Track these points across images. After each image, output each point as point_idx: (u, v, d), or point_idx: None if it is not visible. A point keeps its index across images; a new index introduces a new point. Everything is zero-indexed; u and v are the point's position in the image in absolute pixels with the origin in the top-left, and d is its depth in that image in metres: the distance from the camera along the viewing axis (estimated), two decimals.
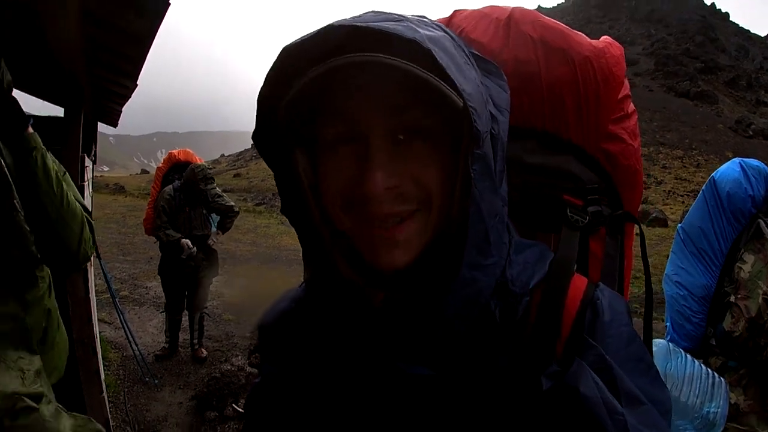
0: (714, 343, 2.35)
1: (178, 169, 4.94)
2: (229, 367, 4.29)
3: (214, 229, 4.97)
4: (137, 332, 5.31)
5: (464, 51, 0.65)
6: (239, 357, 4.71)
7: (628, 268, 0.95)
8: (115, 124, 4.19)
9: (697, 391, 1.17)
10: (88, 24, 1.64)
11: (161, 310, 5.69)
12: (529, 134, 0.87)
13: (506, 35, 0.87)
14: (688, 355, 1.26)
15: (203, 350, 5.10)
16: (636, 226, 0.95)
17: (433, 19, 0.90)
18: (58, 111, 3.00)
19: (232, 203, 5.05)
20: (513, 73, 0.82)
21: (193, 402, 4.08)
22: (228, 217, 5.02)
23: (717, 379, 1.24)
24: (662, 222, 16.69)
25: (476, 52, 0.71)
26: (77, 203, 1.64)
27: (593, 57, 0.85)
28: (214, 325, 6.15)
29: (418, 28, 0.55)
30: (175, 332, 5.07)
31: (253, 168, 45.29)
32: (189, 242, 4.65)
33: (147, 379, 4.37)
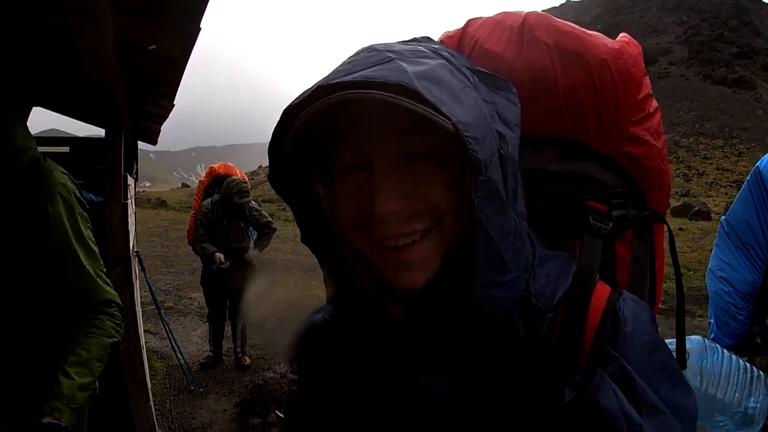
0: (759, 341, 2.24)
1: (218, 183, 5.05)
2: (272, 375, 4.36)
3: (252, 244, 5.03)
4: (182, 342, 5.47)
5: (465, 73, 0.66)
6: (281, 364, 4.77)
7: (660, 269, 0.92)
8: (154, 142, 4.32)
9: (735, 387, 1.14)
10: (123, 49, 1.71)
11: (205, 320, 5.86)
12: (549, 142, 0.86)
13: (520, 42, 0.85)
14: (725, 350, 1.21)
15: (246, 358, 5.20)
16: (666, 227, 0.92)
17: (449, 30, 0.93)
18: (99, 132, 3.15)
19: (269, 219, 5.08)
20: (529, 81, 0.82)
21: (237, 409, 4.16)
22: (264, 233, 5.06)
23: (756, 373, 1.20)
24: (705, 215, 16.12)
25: (482, 69, 0.72)
26: None
27: (610, 59, 0.83)
28: (256, 333, 6.26)
29: (408, 67, 0.58)
30: (219, 341, 5.19)
31: None
32: (222, 256, 4.76)
33: (192, 387, 4.49)
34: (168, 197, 29.81)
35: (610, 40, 0.86)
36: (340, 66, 0.63)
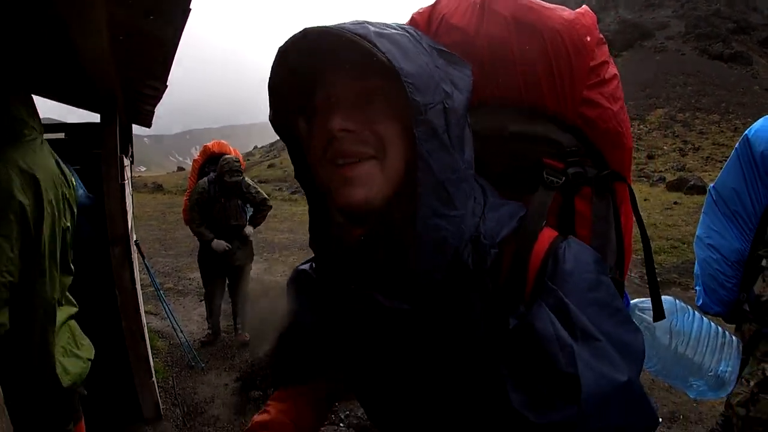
0: (747, 309, 2.30)
1: (213, 162, 5.05)
2: (269, 348, 4.40)
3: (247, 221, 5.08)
4: (183, 321, 5.55)
5: (422, 45, 0.78)
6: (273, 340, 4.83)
7: (627, 227, 0.99)
8: (148, 125, 4.33)
9: (705, 349, 1.19)
10: (115, 33, 1.74)
11: (202, 299, 5.94)
12: (509, 106, 0.95)
13: (481, 16, 0.93)
14: (696, 312, 1.26)
15: (246, 335, 5.26)
16: (628, 186, 1.00)
17: (421, 7, 1.03)
18: (94, 117, 3.17)
19: (266, 196, 5.11)
20: (489, 51, 0.91)
21: (238, 383, 4.24)
22: (259, 210, 5.08)
23: (728, 338, 1.25)
24: (701, 189, 16.14)
25: (441, 47, 0.83)
26: None
27: (563, 29, 0.89)
28: (254, 310, 6.35)
29: (371, 28, 0.72)
30: (216, 319, 5.24)
31: (287, 158, 45.48)
32: (223, 243, 4.81)
33: (193, 364, 4.57)
34: (164, 181, 29.68)
35: (568, 11, 0.92)
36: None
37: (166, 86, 2.92)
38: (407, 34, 0.77)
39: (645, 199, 14.81)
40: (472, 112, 0.85)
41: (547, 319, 0.68)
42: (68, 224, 1.91)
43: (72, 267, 2.02)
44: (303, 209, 17.83)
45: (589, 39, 0.90)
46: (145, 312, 4.55)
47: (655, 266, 2.95)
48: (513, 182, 0.93)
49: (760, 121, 2.30)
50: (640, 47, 51.66)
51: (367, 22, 0.75)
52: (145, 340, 3.53)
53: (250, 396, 4.02)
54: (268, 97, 0.81)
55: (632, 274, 8.01)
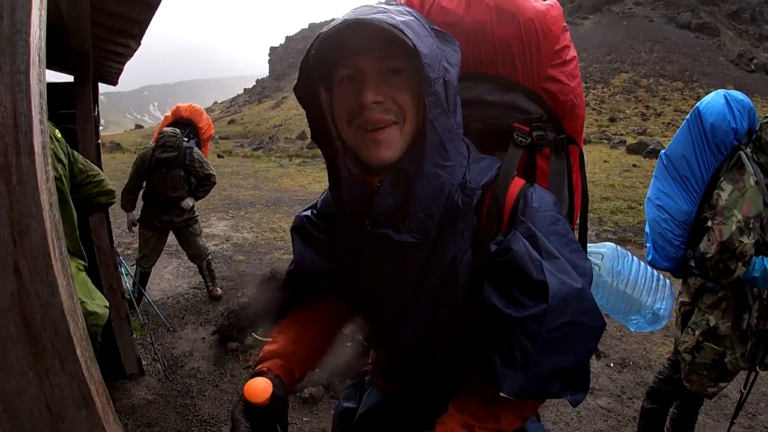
0: (693, 264, 2.53)
1: (181, 125, 4.93)
2: (245, 300, 4.53)
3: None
4: (154, 279, 5.58)
5: (426, 28, 0.95)
6: (255, 290, 4.95)
7: (577, 181, 1.21)
8: (115, 83, 4.21)
9: (642, 287, 1.39)
10: None
11: (172, 257, 5.99)
12: (487, 78, 1.13)
13: (468, 1, 1.10)
14: (636, 258, 1.46)
15: (218, 289, 5.34)
16: (579, 148, 1.22)
17: None
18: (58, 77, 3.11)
19: (210, 171, 4.92)
20: (473, 31, 1.09)
21: (215, 336, 4.36)
22: (201, 185, 4.94)
23: (663, 280, 1.45)
24: (659, 154, 16.83)
25: (436, 28, 1.00)
26: None
27: (535, 18, 1.08)
28: (226, 266, 6.45)
29: (395, 17, 0.87)
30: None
31: (247, 113, 44.67)
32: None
33: (168, 324, 4.64)
34: (122, 140, 28.55)
35: (540, 2, 1.10)
36: (349, 13, 0.89)
37: (140, 44, 2.90)
38: (415, 18, 0.93)
39: (605, 161, 15.20)
40: (458, 82, 1.02)
41: (521, 242, 0.91)
42: (59, 173, 1.96)
43: (74, 213, 2.07)
44: (266, 165, 17.67)
45: (555, 27, 1.10)
46: None
47: (612, 226, 3.11)
48: (489, 141, 1.12)
49: (712, 95, 2.49)
50: (609, 11, 51.63)
51: (384, 8, 0.89)
52: (125, 299, 3.60)
53: (227, 347, 4.16)
54: (298, 72, 0.97)
55: (589, 232, 8.42)
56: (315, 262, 1.17)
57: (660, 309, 1.39)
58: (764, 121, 2.41)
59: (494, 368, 0.89)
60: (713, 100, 2.44)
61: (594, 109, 28.06)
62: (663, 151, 2.66)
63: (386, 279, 1.05)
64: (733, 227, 2.24)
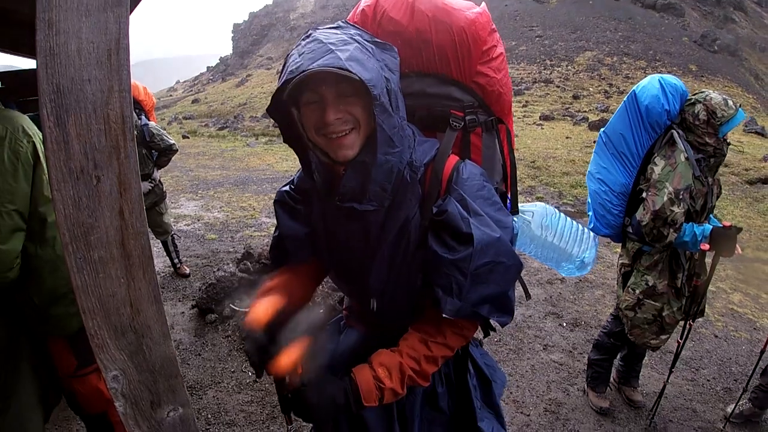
0: (630, 231, 2.84)
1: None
2: (222, 274, 4.68)
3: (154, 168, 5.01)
4: None
5: (368, 48, 1.18)
6: (230, 265, 5.09)
7: (507, 153, 1.52)
8: None
9: (569, 238, 1.67)
10: None
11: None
12: (429, 75, 1.39)
13: (411, 13, 1.36)
14: (562, 214, 1.73)
15: (185, 267, 5.54)
16: (506, 127, 1.52)
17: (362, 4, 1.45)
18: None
19: (171, 142, 4.98)
20: (416, 39, 1.35)
21: (194, 310, 4.55)
22: (165, 154, 5.01)
23: (587, 233, 1.73)
24: None
25: (377, 40, 1.25)
26: None
27: (466, 27, 1.35)
28: (199, 245, 6.60)
29: (341, 54, 1.09)
30: None
31: (211, 92, 43.56)
32: (145, 185, 4.82)
33: None
34: None
35: (470, 11, 1.38)
36: (301, 57, 1.12)
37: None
38: (358, 44, 1.16)
39: (567, 137, 15.60)
40: (403, 78, 1.33)
41: (455, 205, 1.20)
42: None
43: None
44: (232, 145, 17.53)
45: (482, 33, 1.36)
46: None
47: (572, 199, 3.42)
48: (431, 125, 1.40)
49: (647, 79, 2.75)
50: None
51: (332, 45, 1.12)
52: None
53: (206, 319, 4.36)
54: (271, 99, 1.21)
55: (550, 205, 8.80)
56: (295, 228, 1.45)
57: (585, 256, 1.68)
58: (686, 103, 2.69)
59: (437, 297, 1.19)
60: (649, 83, 2.70)
61: (558, 87, 28.39)
62: (602, 129, 2.94)
63: (353, 238, 1.32)
64: (665, 198, 2.54)
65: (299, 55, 1.13)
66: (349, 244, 1.35)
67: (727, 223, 2.57)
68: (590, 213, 3.04)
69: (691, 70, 31.52)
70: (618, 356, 3.46)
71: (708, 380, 3.76)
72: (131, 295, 0.90)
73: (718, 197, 2.81)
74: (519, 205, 1.60)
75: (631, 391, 3.43)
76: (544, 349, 4.11)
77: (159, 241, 5.41)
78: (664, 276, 2.84)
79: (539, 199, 9.18)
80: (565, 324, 4.53)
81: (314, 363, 1.26)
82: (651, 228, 2.59)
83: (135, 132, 4.46)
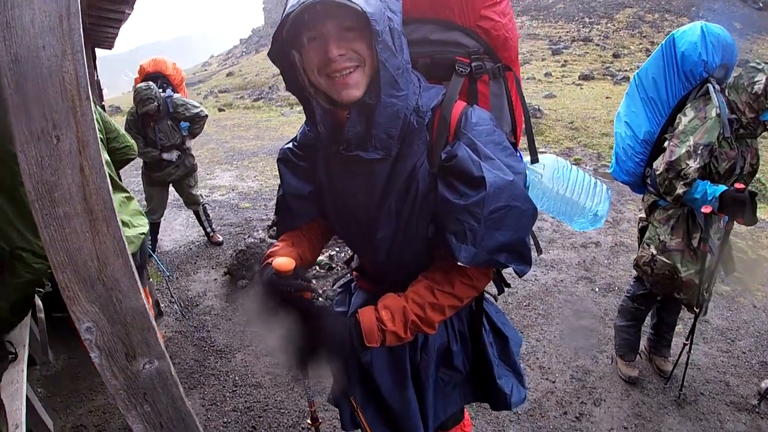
0: (649, 182, 2.71)
1: (152, 80, 4.92)
2: (252, 240, 4.75)
3: (185, 133, 5.04)
4: (165, 231, 5.94)
5: None
6: (260, 232, 5.16)
7: (516, 100, 1.42)
8: (111, 47, 4.27)
9: (581, 190, 1.58)
10: None
11: (181, 209, 6.23)
12: (431, 21, 1.32)
13: None
14: (574, 167, 1.64)
15: (218, 235, 5.65)
16: (514, 73, 1.43)
17: None
18: None
19: (198, 110, 5.00)
20: None
21: (226, 276, 4.67)
22: (195, 122, 5.03)
23: (600, 185, 1.63)
24: None
25: None
26: None
27: None
28: (233, 213, 6.72)
29: None
30: (155, 234, 5.31)
31: (245, 64, 43.94)
32: (172, 155, 4.91)
33: (167, 273, 4.84)
34: (121, 102, 27.91)
35: None
36: None
37: (133, 9, 2.98)
38: None
39: (607, 97, 15.03)
40: (405, 26, 1.22)
41: (464, 149, 1.15)
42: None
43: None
44: (267, 116, 17.66)
45: None
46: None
47: (611, 161, 3.10)
48: (436, 73, 1.33)
49: (690, 25, 2.57)
50: None
51: None
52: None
53: (237, 285, 4.48)
54: (271, 40, 1.17)
55: (587, 167, 8.53)
56: (299, 185, 1.41)
57: (599, 210, 1.59)
58: (751, 64, 2.46)
59: (450, 245, 1.14)
60: (690, 30, 2.52)
61: (598, 45, 27.30)
62: (637, 72, 2.77)
63: (359, 190, 1.28)
64: (683, 150, 2.39)
65: None
66: (356, 198, 1.30)
67: (741, 185, 2.35)
68: (613, 156, 2.91)
69: (736, 28, 29.57)
70: (649, 324, 3.33)
71: (744, 353, 3.55)
72: (96, 248, 0.93)
73: (754, 168, 2.59)
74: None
75: (662, 361, 3.25)
76: (574, 314, 4.00)
77: (192, 210, 5.55)
78: (678, 233, 2.67)
79: (577, 161, 8.89)
80: (597, 289, 4.40)
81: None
82: (663, 178, 2.47)
83: (158, 104, 4.65)
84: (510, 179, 1.13)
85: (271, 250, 1.39)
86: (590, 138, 10.43)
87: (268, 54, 1.20)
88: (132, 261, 0.98)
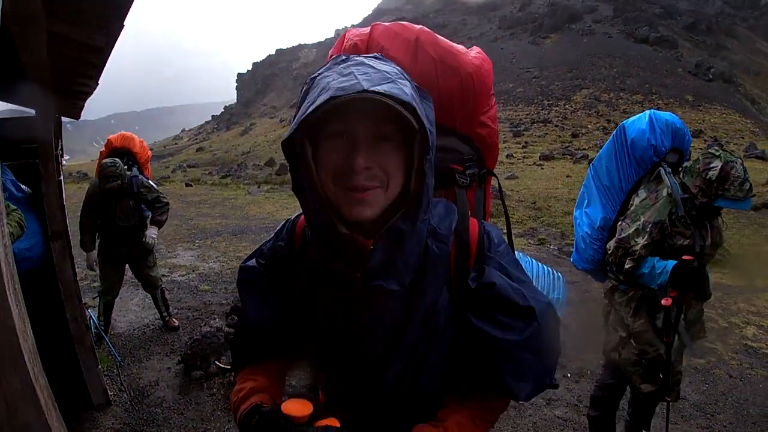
0: (608, 267, 2.72)
1: (118, 155, 4.88)
2: (208, 329, 4.55)
3: (148, 222, 4.92)
4: (121, 311, 5.64)
5: (415, 87, 0.97)
6: (217, 320, 4.98)
7: (488, 207, 1.39)
8: (77, 117, 4.26)
9: (543, 282, 1.57)
10: (55, 43, 1.88)
11: (138, 288, 5.96)
12: None
13: (414, 54, 1.23)
14: (533, 260, 1.65)
15: (174, 320, 5.39)
16: (496, 179, 1.41)
17: (356, 31, 1.30)
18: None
19: (158, 194, 4.84)
20: (419, 82, 1.10)
21: (180, 366, 4.39)
22: (155, 209, 4.84)
23: (556, 275, 1.64)
24: None
25: (417, 85, 1.01)
26: None
27: (474, 72, 1.24)
28: (191, 296, 6.46)
29: (404, 88, 0.89)
30: (108, 315, 5.10)
31: (215, 140, 44.49)
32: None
33: (119, 358, 4.57)
34: (89, 169, 27.68)
35: (473, 55, 1.26)
36: (348, 77, 0.89)
37: (98, 84, 3.00)
38: (409, 83, 0.96)
39: (567, 176, 15.63)
40: None
41: (499, 276, 1.04)
42: None
43: None
44: (234, 193, 17.64)
45: (488, 80, 1.27)
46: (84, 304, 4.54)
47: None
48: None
49: (639, 115, 2.70)
50: (569, 30, 53.20)
51: (388, 74, 0.91)
52: (90, 330, 3.63)
53: (192, 376, 4.20)
54: (295, 125, 0.92)
55: (552, 247, 8.66)
56: (266, 314, 1.18)
57: (556, 299, 1.58)
58: (709, 150, 2.48)
59: (509, 386, 1.02)
60: (639, 118, 2.66)
61: (557, 126, 28.74)
62: (592, 162, 2.86)
63: (369, 322, 1.06)
64: (632, 229, 2.45)
65: (343, 75, 0.89)
66: (361, 331, 1.07)
67: (689, 257, 2.33)
68: (574, 246, 2.94)
69: (688, 101, 31.71)
70: (626, 410, 3.22)
71: (725, 426, 3.48)
72: (3, 391, 0.83)
73: (716, 246, 2.57)
74: None
75: None
76: (547, 404, 3.87)
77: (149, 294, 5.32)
78: (640, 315, 2.65)
79: (542, 241, 9.04)
80: (569, 374, 4.29)
81: None
82: (615, 256, 2.51)
83: (121, 182, 4.54)
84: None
85: (243, 385, 1.17)
86: (553, 217, 10.70)
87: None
88: (54, 404, 0.88)
